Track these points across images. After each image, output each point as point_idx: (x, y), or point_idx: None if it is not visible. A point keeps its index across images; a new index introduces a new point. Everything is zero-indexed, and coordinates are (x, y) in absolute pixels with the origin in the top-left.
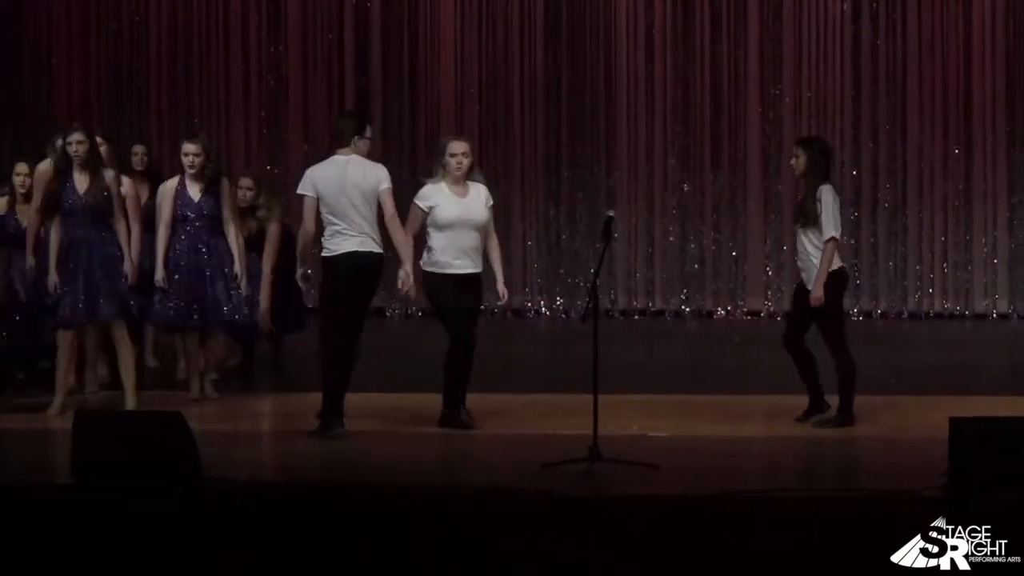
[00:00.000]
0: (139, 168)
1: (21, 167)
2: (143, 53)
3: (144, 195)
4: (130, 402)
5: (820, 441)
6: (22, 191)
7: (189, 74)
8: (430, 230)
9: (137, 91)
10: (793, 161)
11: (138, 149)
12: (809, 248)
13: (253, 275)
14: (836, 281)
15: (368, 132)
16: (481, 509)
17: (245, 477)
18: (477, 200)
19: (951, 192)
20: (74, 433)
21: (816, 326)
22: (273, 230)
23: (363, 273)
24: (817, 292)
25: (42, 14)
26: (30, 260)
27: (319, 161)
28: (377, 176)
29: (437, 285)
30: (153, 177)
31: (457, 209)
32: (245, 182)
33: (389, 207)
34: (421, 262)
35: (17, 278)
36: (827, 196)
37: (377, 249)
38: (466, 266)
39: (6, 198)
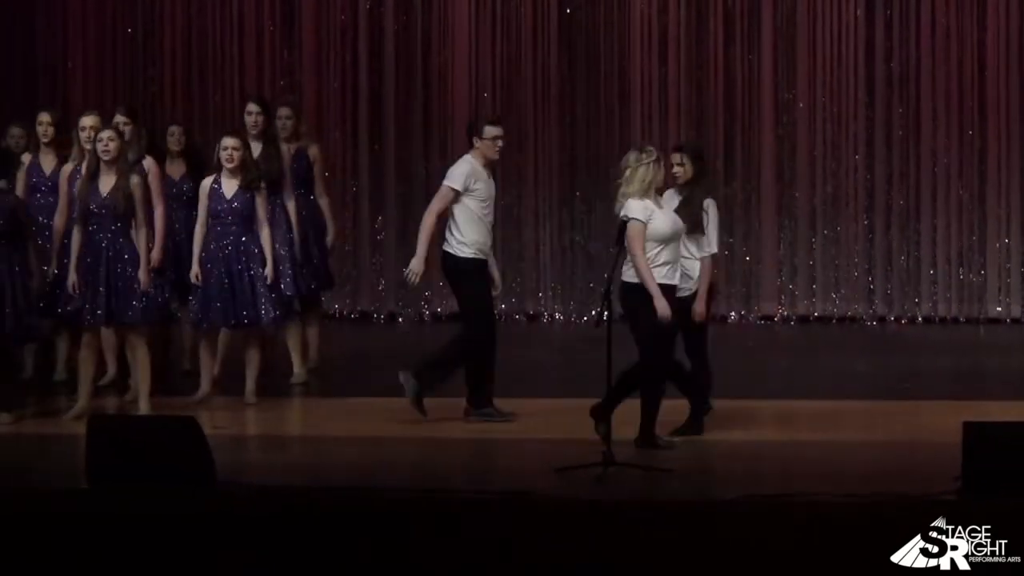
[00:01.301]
0: (176, 149)
1: (44, 116)
2: (157, 59)
3: (179, 173)
4: (143, 407)
5: (833, 446)
6: (45, 140)
7: (203, 79)
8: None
9: (151, 96)
10: (680, 169)
11: (174, 130)
12: (685, 256)
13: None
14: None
15: (486, 133)
16: (495, 513)
17: (259, 481)
18: (671, 211)
19: (965, 196)
20: (88, 437)
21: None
22: (315, 152)
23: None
24: (700, 308)
25: (57, 20)
26: (53, 266)
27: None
28: (447, 173)
29: (644, 300)
30: (191, 157)
31: (669, 221)
32: (284, 111)
33: (433, 200)
34: (625, 277)
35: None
36: (713, 209)
37: (444, 247)
38: (674, 278)
39: (28, 154)
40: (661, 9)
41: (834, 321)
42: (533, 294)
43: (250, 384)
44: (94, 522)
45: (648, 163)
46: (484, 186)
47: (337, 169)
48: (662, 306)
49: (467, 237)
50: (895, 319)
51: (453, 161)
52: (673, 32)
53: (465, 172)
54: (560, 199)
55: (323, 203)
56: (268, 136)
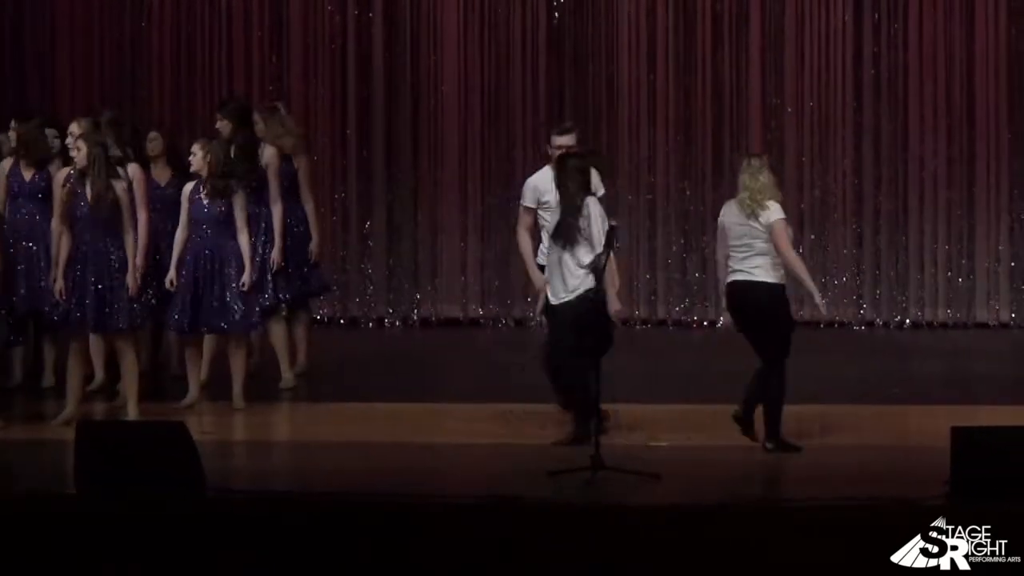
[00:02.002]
0: (155, 154)
1: (14, 123)
2: (145, 63)
3: (164, 178)
4: (132, 412)
5: (822, 450)
6: (14, 147)
7: (191, 84)
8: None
9: (140, 101)
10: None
11: (153, 135)
12: (572, 265)
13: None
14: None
15: (552, 143)
16: (484, 518)
17: (248, 487)
18: None
19: (953, 201)
20: (76, 443)
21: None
22: (303, 160)
23: None
24: (617, 305)
25: (45, 24)
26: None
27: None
28: None
29: (786, 300)
30: (177, 162)
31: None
32: (255, 116)
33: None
34: (758, 277)
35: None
36: (595, 207)
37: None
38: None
39: (10, 158)
40: (649, 15)
41: (822, 325)
42: (521, 299)
43: (237, 389)
44: (81, 527)
45: (767, 166)
46: (555, 198)
47: (325, 174)
48: (820, 298)
49: (547, 246)
50: (883, 324)
51: (441, 167)
52: (661, 38)
53: (531, 187)
54: None
55: (308, 208)
56: (250, 142)
